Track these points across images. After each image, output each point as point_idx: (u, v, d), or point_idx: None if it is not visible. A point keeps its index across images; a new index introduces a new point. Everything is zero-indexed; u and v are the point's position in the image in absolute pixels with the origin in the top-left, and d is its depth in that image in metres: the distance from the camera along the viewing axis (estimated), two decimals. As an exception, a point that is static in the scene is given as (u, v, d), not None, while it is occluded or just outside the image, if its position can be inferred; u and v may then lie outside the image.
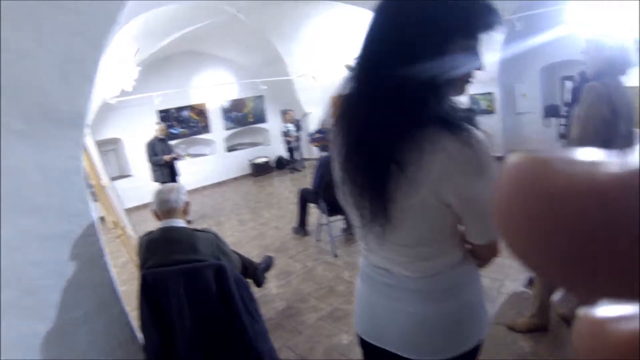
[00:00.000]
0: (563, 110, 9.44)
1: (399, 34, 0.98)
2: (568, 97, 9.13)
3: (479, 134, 0.97)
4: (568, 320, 2.97)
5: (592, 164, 0.16)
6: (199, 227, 2.88)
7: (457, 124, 0.96)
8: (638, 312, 0.15)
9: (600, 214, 0.14)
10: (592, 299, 0.16)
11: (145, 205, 9.26)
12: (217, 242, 2.51)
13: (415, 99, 0.97)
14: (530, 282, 3.44)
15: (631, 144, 2.39)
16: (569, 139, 2.50)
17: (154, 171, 7.29)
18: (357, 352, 1.45)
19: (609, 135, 2.32)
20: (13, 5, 1.80)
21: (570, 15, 7.11)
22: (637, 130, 2.48)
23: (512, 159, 0.17)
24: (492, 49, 8.93)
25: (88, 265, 2.27)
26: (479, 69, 1.07)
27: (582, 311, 0.16)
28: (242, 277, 2.57)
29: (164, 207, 2.43)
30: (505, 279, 3.77)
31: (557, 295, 2.99)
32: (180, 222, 2.45)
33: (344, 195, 1.18)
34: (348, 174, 1.10)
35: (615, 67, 2.40)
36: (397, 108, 0.98)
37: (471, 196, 1.01)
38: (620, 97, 2.35)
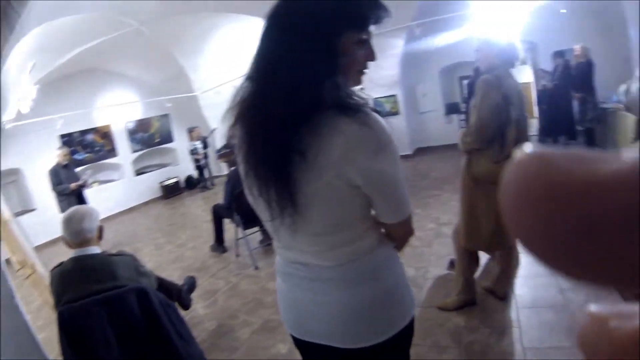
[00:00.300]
0: (462, 106, 10.19)
1: (292, 29, 1.04)
2: (466, 94, 9.90)
3: (375, 115, 1.04)
4: (492, 291, 3.23)
5: (592, 160, 0.16)
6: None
7: (353, 108, 1.02)
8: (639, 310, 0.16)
9: (601, 207, 0.15)
10: (600, 289, 0.17)
11: (54, 241, 8.39)
12: (135, 264, 2.37)
13: (311, 88, 1.02)
14: (452, 264, 3.68)
15: (525, 126, 2.71)
16: (467, 127, 2.74)
17: (61, 201, 6.74)
18: (298, 356, 1.45)
19: (502, 119, 2.58)
20: None
21: (466, 19, 7.69)
22: (527, 115, 2.80)
23: (517, 156, 0.18)
24: (393, 54, 9.37)
25: (-2, 312, 2.07)
26: (371, 59, 1.14)
27: (588, 310, 0.17)
28: (167, 298, 2.45)
29: (78, 239, 2.24)
30: (429, 265, 4.04)
31: (478, 271, 3.27)
32: (95, 249, 2.27)
33: (250, 191, 1.18)
34: (252, 169, 1.11)
35: (505, 60, 2.69)
36: (294, 99, 1.02)
37: (375, 174, 1.06)
38: (510, 86, 2.63)
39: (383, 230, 1.25)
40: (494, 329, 2.90)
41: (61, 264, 2.27)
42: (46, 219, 8.54)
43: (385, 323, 1.22)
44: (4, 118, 6.81)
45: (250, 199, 1.22)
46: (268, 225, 1.22)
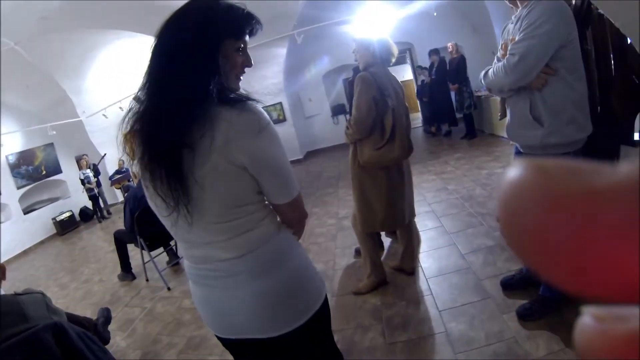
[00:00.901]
0: (348, 107, 10.74)
1: (179, 38, 1.15)
2: (348, 93, 10.51)
3: (255, 103, 1.19)
4: (400, 269, 3.53)
5: (589, 172, 0.16)
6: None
7: (234, 99, 1.16)
8: (637, 312, 0.16)
9: (597, 218, 0.15)
10: (598, 301, 0.17)
11: None
12: (45, 300, 2.24)
13: (197, 88, 1.13)
14: (357, 252, 3.99)
15: (401, 114, 2.99)
16: (350, 121, 3.01)
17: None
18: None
19: (379, 110, 2.88)
20: None
21: (344, 25, 8.12)
22: (405, 104, 3.11)
23: (514, 168, 0.18)
24: (277, 62, 9.59)
25: None
26: (248, 65, 1.29)
27: (585, 310, 0.17)
28: (84, 330, 2.30)
29: None
30: (335, 257, 4.31)
31: (384, 254, 3.61)
32: None
33: (147, 191, 1.24)
34: (147, 168, 1.18)
35: (380, 58, 3.01)
36: (182, 98, 1.13)
37: (259, 153, 1.16)
38: (385, 80, 2.94)
39: (279, 219, 1.34)
40: (409, 301, 3.17)
41: None
42: None
43: (301, 306, 1.31)
44: None
45: (149, 200, 1.27)
46: (168, 224, 1.26)
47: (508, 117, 2.38)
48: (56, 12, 6.65)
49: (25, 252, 10.00)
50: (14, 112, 10.58)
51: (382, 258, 3.48)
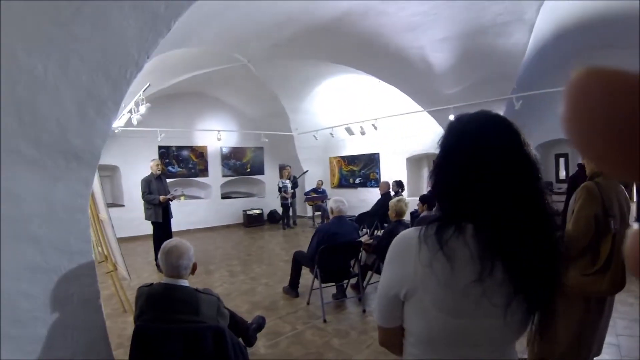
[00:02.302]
0: (556, 187, 9.85)
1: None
2: (562, 173, 10.03)
3: None
4: None
5: (633, 72, 0.18)
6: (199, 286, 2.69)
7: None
8: None
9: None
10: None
11: (132, 239, 9.16)
12: (218, 305, 2.41)
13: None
14: None
15: (623, 238, 2.41)
16: (564, 232, 2.52)
17: (147, 209, 6.94)
18: None
19: (600, 231, 2.39)
20: (43, 36, 1.78)
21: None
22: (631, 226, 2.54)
23: (577, 71, 0.20)
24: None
25: (82, 306, 2.19)
26: None
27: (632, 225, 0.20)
28: (239, 341, 2.48)
29: (173, 272, 2.33)
30: None
31: None
32: (185, 282, 2.36)
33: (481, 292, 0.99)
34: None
35: None
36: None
37: None
38: (613, 195, 2.46)
39: None
40: None
41: (151, 284, 2.37)
42: (130, 217, 9.20)
43: None
44: (115, 125, 7.28)
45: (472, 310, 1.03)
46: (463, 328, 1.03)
47: None
48: (287, 41, 7.37)
49: (211, 229, 11.29)
50: (236, 115, 12.19)
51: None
